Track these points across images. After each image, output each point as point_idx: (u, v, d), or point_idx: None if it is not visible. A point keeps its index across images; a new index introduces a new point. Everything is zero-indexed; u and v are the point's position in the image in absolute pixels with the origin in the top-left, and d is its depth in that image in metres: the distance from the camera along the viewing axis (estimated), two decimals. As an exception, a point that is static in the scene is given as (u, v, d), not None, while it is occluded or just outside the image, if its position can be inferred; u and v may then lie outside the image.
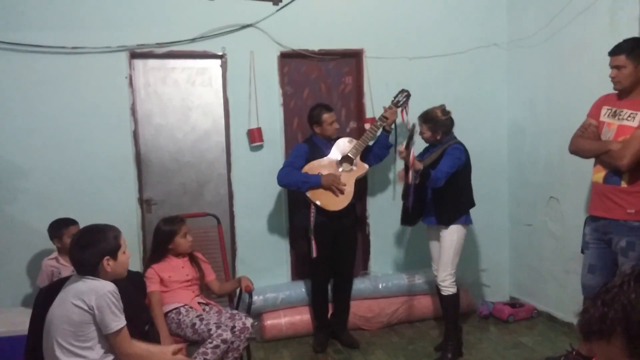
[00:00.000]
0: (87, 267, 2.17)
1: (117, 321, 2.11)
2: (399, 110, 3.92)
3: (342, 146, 3.80)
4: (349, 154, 3.76)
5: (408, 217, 3.67)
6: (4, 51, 3.57)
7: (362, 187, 4.24)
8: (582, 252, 3.17)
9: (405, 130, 4.19)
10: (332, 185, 3.66)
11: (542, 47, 4.08)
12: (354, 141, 3.82)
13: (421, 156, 3.71)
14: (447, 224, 3.50)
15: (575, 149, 3.12)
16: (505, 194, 4.58)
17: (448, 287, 3.54)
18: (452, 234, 3.51)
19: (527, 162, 4.34)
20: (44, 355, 2.17)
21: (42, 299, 2.31)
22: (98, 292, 2.09)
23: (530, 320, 4.21)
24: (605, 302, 0.92)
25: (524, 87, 4.35)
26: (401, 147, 3.39)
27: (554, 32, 3.94)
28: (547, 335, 3.95)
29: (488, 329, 4.11)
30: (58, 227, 3.39)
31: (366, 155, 3.88)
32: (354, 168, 3.78)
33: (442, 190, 3.43)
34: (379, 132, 3.88)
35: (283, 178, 3.69)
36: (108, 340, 2.15)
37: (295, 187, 3.69)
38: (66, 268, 3.31)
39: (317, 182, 3.65)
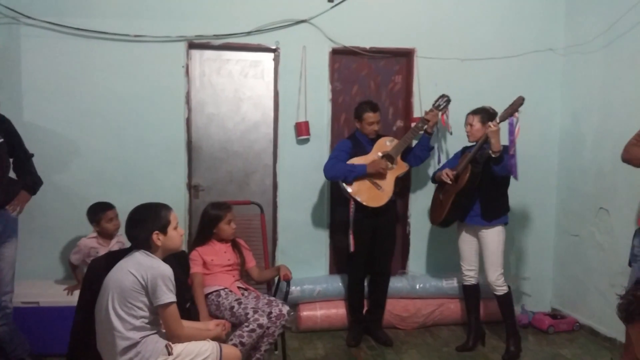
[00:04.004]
0: (139, 241, 2.33)
1: (168, 295, 2.23)
2: (439, 114, 3.92)
3: (382, 145, 3.83)
4: (390, 153, 3.79)
5: (449, 216, 3.67)
6: (72, 36, 3.78)
7: (405, 186, 4.25)
8: (630, 265, 3.08)
9: (446, 132, 4.18)
10: (379, 170, 3.69)
11: (600, 54, 3.97)
12: (395, 140, 3.86)
13: (454, 162, 3.74)
14: (490, 221, 3.57)
15: (629, 157, 3.02)
16: (553, 203, 4.48)
17: (501, 286, 3.62)
18: (498, 234, 3.60)
19: (578, 171, 4.23)
20: (96, 317, 2.31)
21: (96, 268, 2.45)
22: (155, 270, 2.24)
23: (571, 333, 4.11)
24: None
25: (578, 94, 4.25)
26: (493, 122, 3.40)
27: (613, 39, 3.84)
28: (587, 348, 3.84)
29: (526, 338, 4.01)
30: (95, 212, 3.52)
31: (407, 156, 3.90)
32: (394, 166, 3.81)
33: (491, 189, 3.53)
34: (420, 134, 3.89)
35: (329, 170, 3.74)
36: (158, 313, 2.27)
37: (342, 178, 3.72)
38: (104, 249, 3.45)
39: (363, 171, 3.69)
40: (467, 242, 3.75)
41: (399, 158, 3.82)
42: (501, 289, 3.62)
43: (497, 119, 3.40)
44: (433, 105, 3.90)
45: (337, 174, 3.73)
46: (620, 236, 3.68)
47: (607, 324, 3.87)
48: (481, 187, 3.55)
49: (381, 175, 3.74)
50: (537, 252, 4.49)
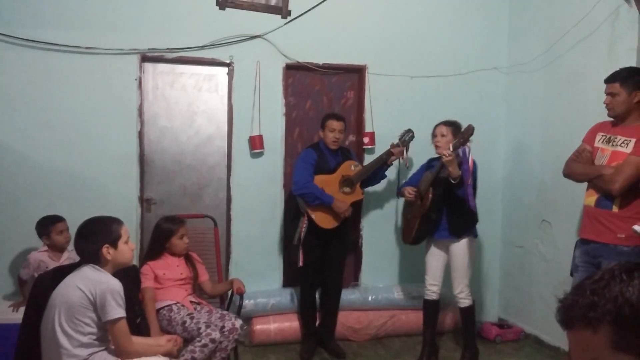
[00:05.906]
0: (89, 255, 2.28)
1: (117, 310, 2.19)
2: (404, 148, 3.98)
3: (347, 168, 3.89)
4: (352, 178, 3.86)
5: (418, 235, 3.69)
6: (21, 47, 3.69)
7: (357, 202, 4.29)
8: (572, 274, 3.21)
9: (403, 168, 4.24)
10: (340, 213, 3.73)
11: (541, 73, 4.18)
12: (359, 166, 3.94)
13: (419, 175, 3.79)
14: (459, 236, 3.62)
15: (569, 173, 3.16)
16: (498, 215, 4.64)
17: (464, 299, 3.67)
18: (465, 247, 3.63)
19: (521, 185, 4.41)
20: (41, 334, 2.24)
21: (43, 284, 2.39)
22: (104, 285, 2.19)
23: (517, 342, 4.24)
24: (595, 292, 0.90)
25: (521, 111, 4.44)
26: (447, 150, 3.37)
27: (553, 59, 4.05)
28: (533, 357, 3.97)
29: (474, 348, 4.12)
30: (44, 225, 3.42)
31: (364, 182, 3.97)
32: (352, 192, 3.88)
33: (456, 204, 3.53)
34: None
35: (302, 188, 3.71)
36: (106, 329, 2.22)
37: (308, 200, 3.72)
38: (55, 263, 3.34)
39: (328, 202, 3.71)
40: (435, 256, 3.74)
41: (358, 185, 3.89)
42: (464, 302, 3.66)
43: (451, 148, 3.39)
44: (399, 139, 3.96)
45: (305, 194, 3.71)
46: (562, 247, 3.84)
47: (551, 333, 4.02)
48: (447, 203, 3.57)
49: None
50: (483, 263, 4.63)
